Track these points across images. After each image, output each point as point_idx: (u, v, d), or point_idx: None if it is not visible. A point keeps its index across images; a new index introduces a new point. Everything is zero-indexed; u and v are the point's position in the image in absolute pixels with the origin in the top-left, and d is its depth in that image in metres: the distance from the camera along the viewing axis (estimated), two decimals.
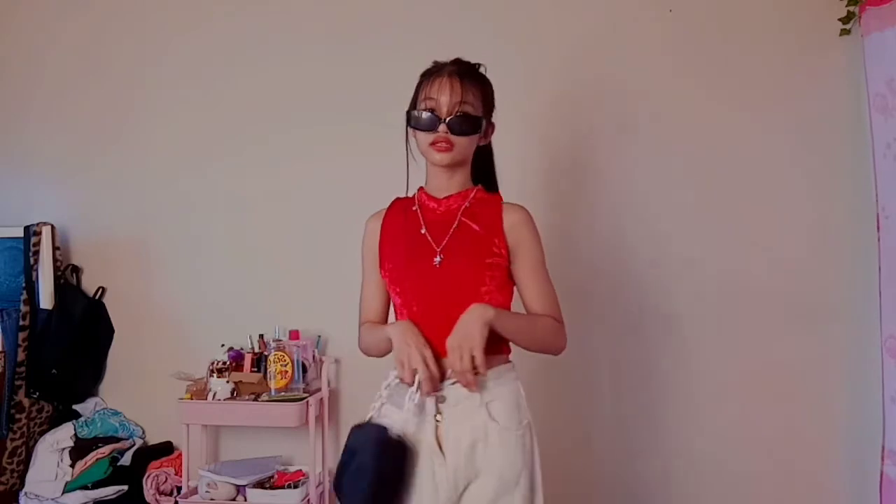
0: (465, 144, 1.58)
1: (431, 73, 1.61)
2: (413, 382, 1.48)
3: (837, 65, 2.51)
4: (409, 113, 1.62)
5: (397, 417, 1.51)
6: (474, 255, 1.56)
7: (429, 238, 1.59)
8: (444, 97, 1.56)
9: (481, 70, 1.64)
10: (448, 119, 1.56)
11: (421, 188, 1.68)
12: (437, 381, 1.50)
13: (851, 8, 2.43)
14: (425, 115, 1.57)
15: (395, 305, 1.65)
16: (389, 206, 1.71)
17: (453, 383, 1.51)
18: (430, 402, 1.52)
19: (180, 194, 2.92)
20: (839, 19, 2.46)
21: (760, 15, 2.57)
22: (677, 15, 2.60)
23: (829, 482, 2.53)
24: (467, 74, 1.59)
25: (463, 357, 1.44)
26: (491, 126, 1.66)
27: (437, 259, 1.56)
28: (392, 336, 1.54)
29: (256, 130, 2.85)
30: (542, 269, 1.60)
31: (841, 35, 2.47)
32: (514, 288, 1.62)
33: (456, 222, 1.59)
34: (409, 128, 1.62)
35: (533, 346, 1.59)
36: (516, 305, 1.64)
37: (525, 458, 1.54)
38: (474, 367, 1.45)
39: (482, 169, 1.70)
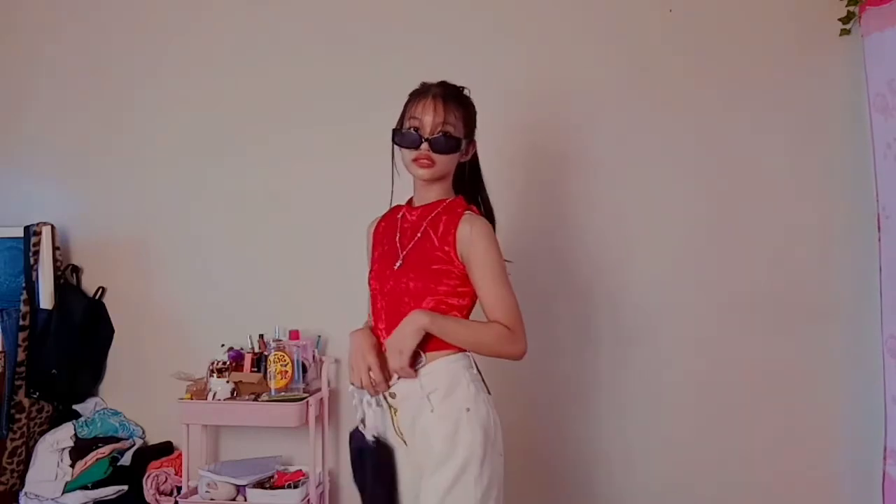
0: (445, 161, 1.69)
1: (417, 94, 1.72)
2: (361, 386, 1.67)
3: (837, 65, 2.51)
4: (394, 131, 1.73)
5: (370, 414, 1.69)
6: (425, 262, 1.67)
7: (398, 244, 1.73)
8: (428, 117, 1.67)
9: (466, 93, 1.75)
10: (430, 138, 1.67)
11: (410, 198, 1.79)
12: (382, 384, 1.65)
13: (851, 8, 2.44)
14: (409, 133, 1.68)
15: None
16: (387, 212, 1.83)
17: (401, 379, 1.66)
18: (383, 400, 1.69)
19: (180, 194, 2.92)
20: (839, 19, 2.46)
21: (760, 15, 2.57)
22: (677, 15, 2.60)
23: (831, 482, 2.53)
24: (450, 97, 1.70)
25: (396, 357, 1.62)
26: (472, 144, 1.77)
27: (398, 263, 1.70)
28: (350, 342, 1.71)
29: (256, 130, 2.85)
30: (496, 278, 1.65)
31: (841, 35, 2.47)
32: (475, 295, 1.70)
33: (420, 231, 1.71)
34: (394, 144, 1.73)
35: (479, 351, 1.68)
36: None
37: (454, 443, 1.60)
38: (412, 365, 1.62)
39: (469, 182, 1.80)
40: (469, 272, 1.66)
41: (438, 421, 1.62)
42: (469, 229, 1.66)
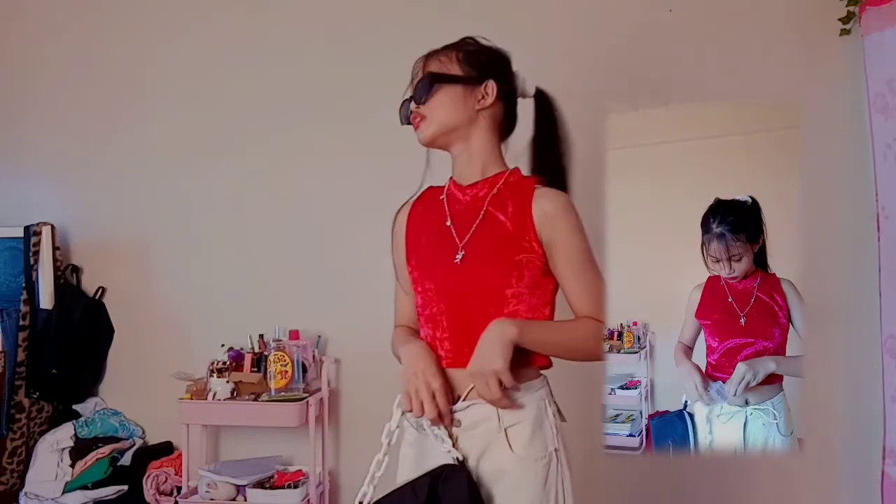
0: (435, 109, 1.43)
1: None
2: (420, 415, 1.37)
3: (837, 65, 2.51)
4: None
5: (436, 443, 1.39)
6: (499, 251, 1.38)
7: (453, 231, 1.43)
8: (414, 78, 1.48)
9: (478, 48, 1.51)
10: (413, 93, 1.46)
11: (451, 177, 1.52)
12: (448, 416, 1.37)
13: (851, 8, 2.43)
14: (403, 102, 1.49)
15: (416, 305, 1.49)
16: (420, 196, 1.55)
17: (469, 405, 1.37)
18: (443, 429, 1.38)
19: (180, 194, 2.92)
20: (839, 19, 2.46)
21: (760, 15, 2.57)
22: (677, 15, 2.60)
23: (830, 482, 2.53)
24: (438, 49, 1.48)
25: (489, 384, 1.30)
26: (487, 85, 1.46)
27: (459, 255, 1.40)
28: (403, 361, 1.42)
29: (257, 130, 2.85)
30: (585, 263, 1.39)
31: (841, 35, 2.47)
32: (556, 286, 1.43)
33: (481, 213, 1.41)
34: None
35: (570, 357, 1.41)
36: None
37: (546, 491, 1.35)
38: (505, 390, 1.32)
39: (546, 155, 1.49)
40: (551, 259, 1.38)
41: (525, 465, 1.34)
42: (548, 206, 1.37)
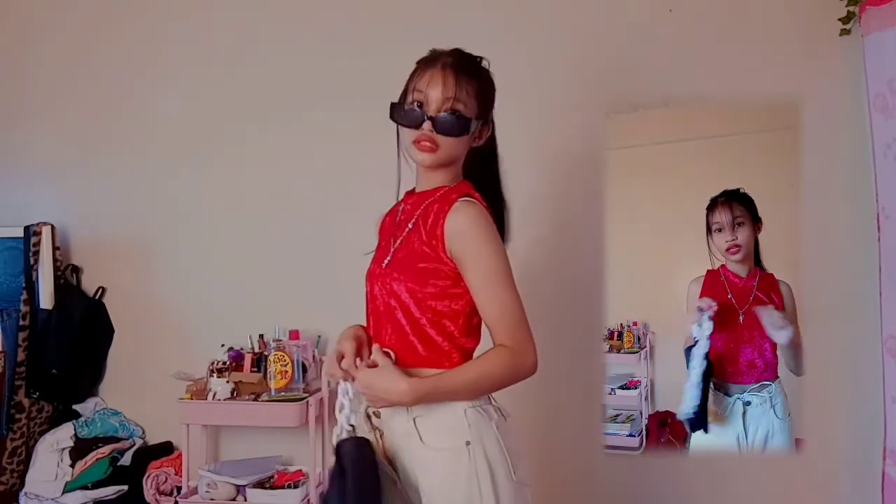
0: (451, 145, 1.45)
1: (425, 63, 1.48)
2: (345, 379, 1.52)
3: (837, 65, 2.51)
4: (393, 106, 1.50)
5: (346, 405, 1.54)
6: (411, 260, 1.44)
7: (393, 238, 1.52)
8: (435, 92, 1.43)
9: (483, 64, 1.52)
10: (434, 116, 1.43)
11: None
12: (349, 373, 1.50)
13: (851, 8, 2.43)
14: (410, 110, 1.45)
15: None
16: (398, 202, 1.62)
17: None
18: (365, 419, 1.51)
19: (180, 194, 2.92)
20: (839, 19, 2.46)
21: (760, 15, 2.57)
22: (677, 15, 2.60)
23: (831, 482, 2.53)
24: (464, 69, 1.46)
25: (369, 398, 1.46)
26: (487, 127, 1.53)
27: (386, 261, 1.49)
28: None
29: (257, 130, 2.85)
30: (494, 280, 1.40)
31: (841, 35, 2.47)
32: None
33: (411, 223, 1.48)
34: (394, 123, 1.51)
35: (492, 390, 1.44)
36: None
37: (454, 481, 1.38)
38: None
39: (483, 172, 1.56)
40: (462, 273, 1.41)
41: (430, 456, 1.40)
42: (457, 224, 1.40)
